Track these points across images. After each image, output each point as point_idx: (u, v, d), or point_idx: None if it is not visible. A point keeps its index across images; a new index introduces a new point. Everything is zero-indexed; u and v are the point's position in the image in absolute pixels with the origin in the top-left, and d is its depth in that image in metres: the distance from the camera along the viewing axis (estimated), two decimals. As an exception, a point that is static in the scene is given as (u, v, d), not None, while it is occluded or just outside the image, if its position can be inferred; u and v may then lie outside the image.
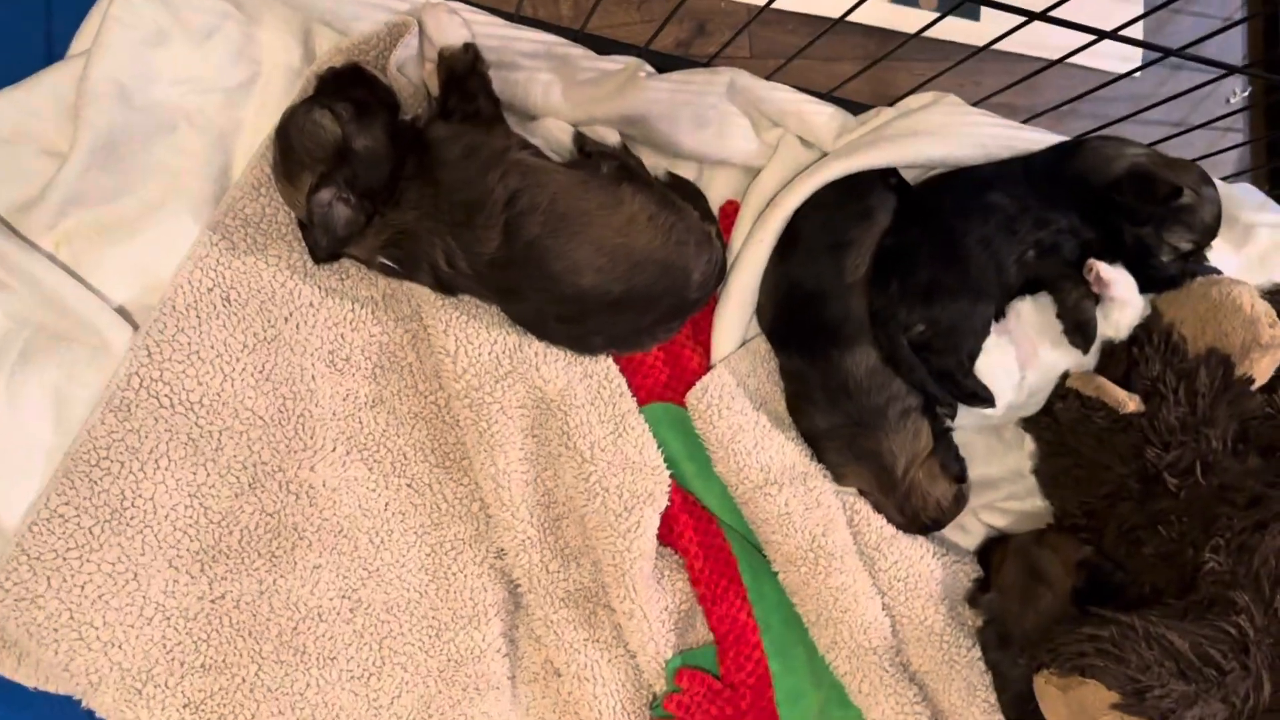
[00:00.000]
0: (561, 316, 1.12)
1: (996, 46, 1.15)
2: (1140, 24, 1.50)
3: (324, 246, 1.04)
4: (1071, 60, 1.17)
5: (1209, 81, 1.23)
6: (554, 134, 1.19)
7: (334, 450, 1.12)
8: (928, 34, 1.13)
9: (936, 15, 1.10)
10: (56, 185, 1.05)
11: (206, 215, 1.11)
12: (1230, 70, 1.11)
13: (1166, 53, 1.07)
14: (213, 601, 1.08)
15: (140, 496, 1.05)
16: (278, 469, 1.10)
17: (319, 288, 1.13)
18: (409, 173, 1.05)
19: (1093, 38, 1.07)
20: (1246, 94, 1.52)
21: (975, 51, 1.14)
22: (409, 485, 1.14)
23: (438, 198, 1.05)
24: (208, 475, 1.08)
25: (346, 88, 1.05)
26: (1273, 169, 1.51)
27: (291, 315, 1.12)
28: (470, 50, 1.09)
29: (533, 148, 1.12)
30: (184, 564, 1.07)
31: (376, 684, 1.12)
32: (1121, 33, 1.08)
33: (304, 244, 1.09)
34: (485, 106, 1.09)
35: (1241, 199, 1.35)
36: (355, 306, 1.15)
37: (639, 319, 1.14)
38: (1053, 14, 1.04)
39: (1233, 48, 1.56)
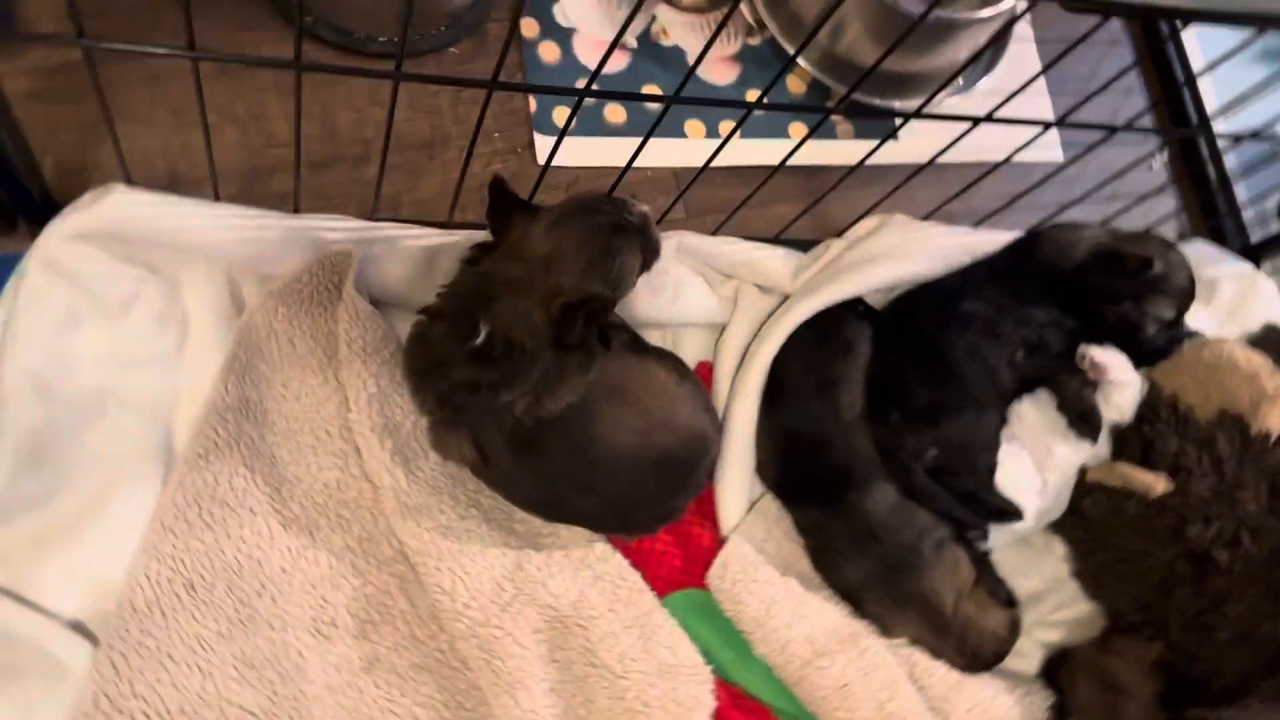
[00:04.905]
0: (586, 485, 1.02)
1: (918, 159, 1.13)
2: (1049, 110, 1.54)
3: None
4: (996, 158, 1.15)
5: (1138, 161, 1.24)
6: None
7: (338, 730, 0.99)
8: (852, 160, 1.11)
9: (874, 145, 1.08)
10: (-17, 503, 0.93)
11: (154, 500, 1.00)
12: (1169, 133, 1.11)
13: (1111, 130, 1.06)
14: None
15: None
16: (279, 767, 0.96)
17: (288, 550, 1.02)
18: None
19: (1037, 129, 1.06)
20: (1165, 156, 1.55)
21: (920, 168, 1.13)
22: (428, 749, 1.01)
23: None
24: (199, 793, 0.94)
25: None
26: (1211, 227, 1.52)
27: (264, 588, 1.00)
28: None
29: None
30: None
31: None
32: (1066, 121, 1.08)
33: (263, 509, 1.00)
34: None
35: (1200, 255, 1.35)
36: (331, 560, 1.04)
37: (658, 492, 1.06)
38: (994, 117, 1.03)
39: (1142, 119, 1.60)
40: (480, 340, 0.94)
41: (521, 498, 1.06)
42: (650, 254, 1.03)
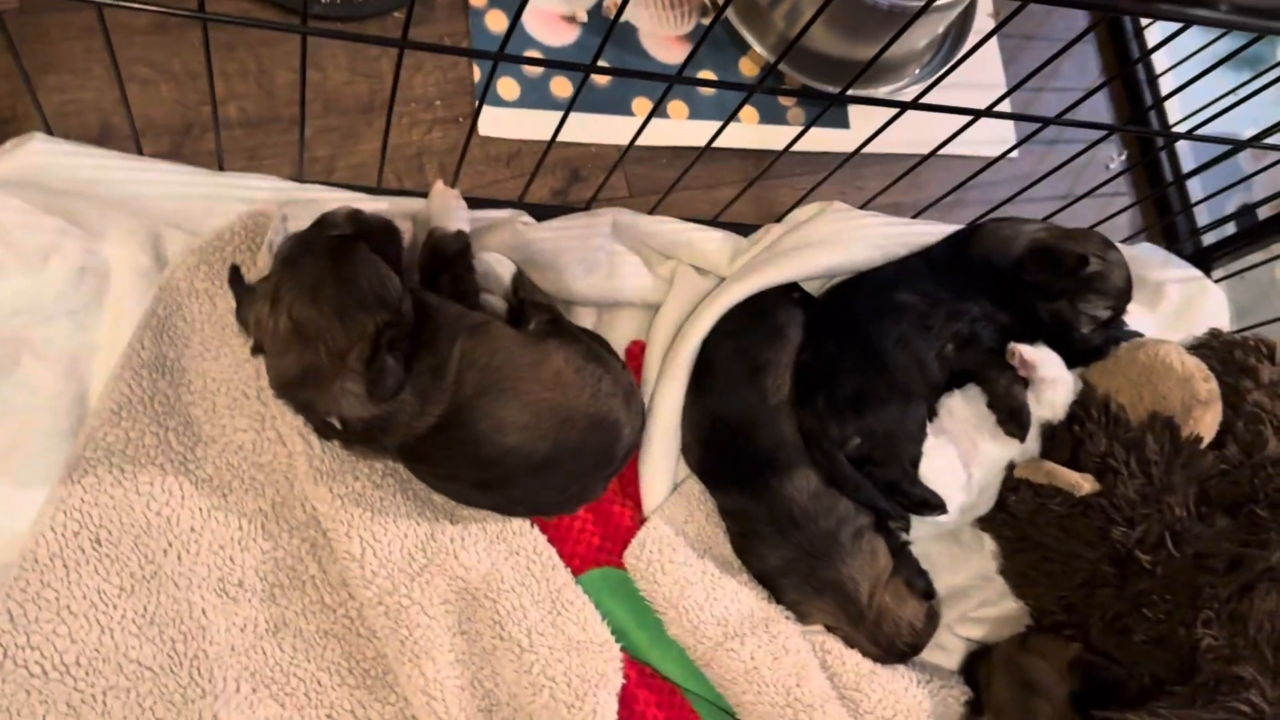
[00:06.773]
0: (482, 483, 1.02)
1: (873, 149, 1.13)
2: (1008, 103, 1.53)
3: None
4: (949, 151, 1.15)
5: (1088, 148, 1.23)
6: (495, 269, 1.12)
7: (238, 691, 0.98)
8: (802, 147, 1.11)
9: (803, 127, 1.07)
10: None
11: (64, 453, 0.99)
12: (1110, 129, 1.11)
13: (1045, 121, 1.06)
14: None
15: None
16: (175, 725, 0.96)
17: (199, 510, 1.02)
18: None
19: (967, 119, 1.05)
20: (1123, 157, 1.54)
21: (849, 156, 1.12)
22: (328, 716, 1.01)
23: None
24: (94, 746, 0.93)
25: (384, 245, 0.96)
26: (1165, 226, 1.51)
27: (171, 546, 1.00)
28: (462, 238, 1.04)
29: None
30: None
31: None
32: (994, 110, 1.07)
33: (175, 467, 0.99)
34: (472, 285, 1.05)
35: (1146, 259, 1.34)
36: (243, 522, 1.03)
37: (566, 480, 1.04)
38: (920, 103, 1.03)
39: (1101, 115, 1.59)
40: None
41: (433, 489, 1.06)
42: (392, 234, 0.99)
